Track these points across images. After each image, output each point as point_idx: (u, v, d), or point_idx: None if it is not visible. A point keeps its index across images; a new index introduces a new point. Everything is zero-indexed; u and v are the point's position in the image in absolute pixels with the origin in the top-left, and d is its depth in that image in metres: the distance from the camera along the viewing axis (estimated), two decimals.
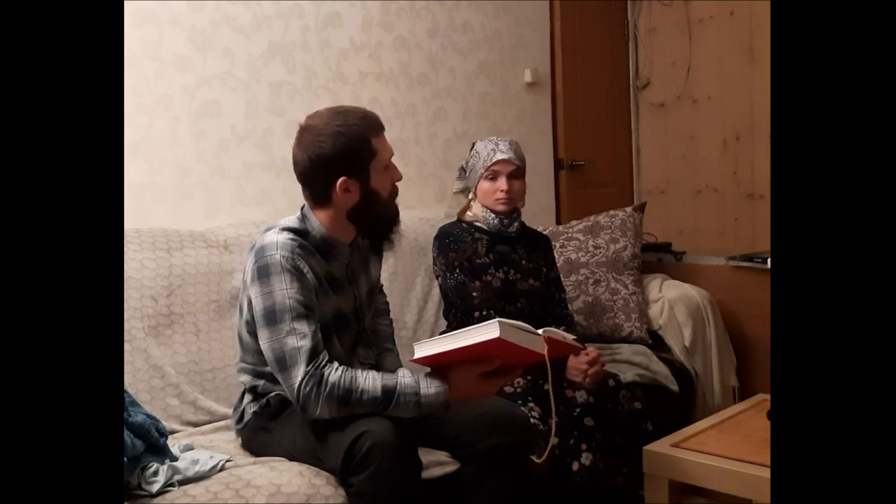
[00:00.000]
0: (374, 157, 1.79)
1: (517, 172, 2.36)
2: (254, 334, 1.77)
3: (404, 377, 1.67)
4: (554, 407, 1.82)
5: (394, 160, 1.85)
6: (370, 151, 1.78)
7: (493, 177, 2.35)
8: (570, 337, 1.84)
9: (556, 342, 1.74)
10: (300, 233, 1.79)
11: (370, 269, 1.98)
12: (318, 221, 1.82)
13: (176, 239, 2.24)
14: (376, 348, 2.02)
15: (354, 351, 1.90)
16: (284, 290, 1.68)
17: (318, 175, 1.78)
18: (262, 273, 1.71)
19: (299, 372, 1.64)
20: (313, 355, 1.65)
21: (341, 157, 1.75)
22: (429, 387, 1.66)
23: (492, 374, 1.70)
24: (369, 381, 1.65)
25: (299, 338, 1.66)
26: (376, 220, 1.85)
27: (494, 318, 1.58)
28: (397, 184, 1.87)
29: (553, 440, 1.86)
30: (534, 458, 1.86)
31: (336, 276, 1.84)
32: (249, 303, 1.75)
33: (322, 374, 1.64)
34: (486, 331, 1.57)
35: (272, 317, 1.68)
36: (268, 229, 1.80)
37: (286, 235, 1.75)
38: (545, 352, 1.66)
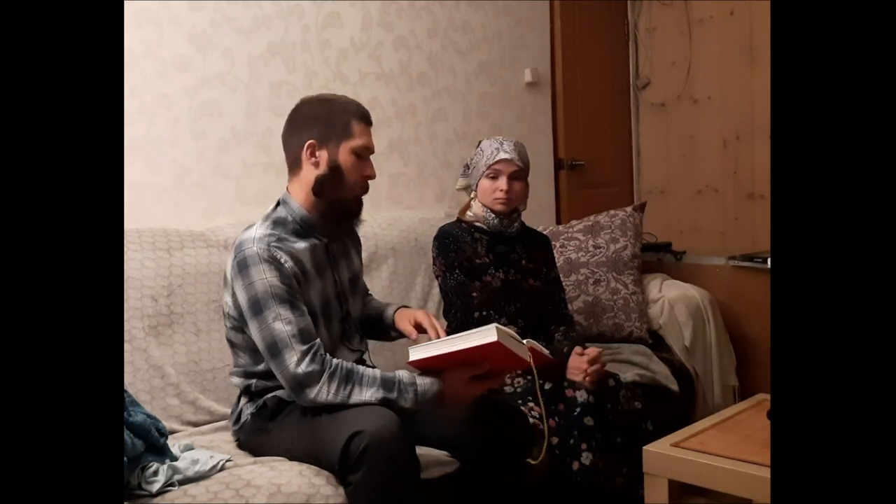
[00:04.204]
0: (349, 137, 1.81)
1: (518, 174, 2.36)
2: (239, 331, 1.80)
3: (400, 371, 1.73)
4: (544, 410, 1.90)
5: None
6: (346, 129, 1.81)
7: (495, 176, 2.35)
8: (545, 351, 1.90)
9: (537, 352, 1.82)
10: (278, 222, 1.81)
11: (351, 256, 1.99)
12: (297, 203, 1.83)
13: (176, 239, 2.24)
14: (364, 308, 2.06)
15: (342, 339, 1.91)
16: (265, 279, 1.71)
17: (292, 136, 1.83)
18: (242, 266, 1.73)
19: (292, 354, 1.67)
20: (306, 338, 1.69)
21: (314, 121, 1.81)
22: (423, 379, 1.72)
23: (478, 379, 1.75)
24: (368, 370, 1.71)
25: (285, 322, 1.68)
26: (336, 201, 1.83)
27: (494, 318, 1.61)
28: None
29: (542, 428, 1.92)
30: (530, 460, 1.86)
31: (318, 260, 1.85)
32: (234, 300, 1.77)
33: (323, 356, 1.68)
34: (484, 335, 1.63)
35: (257, 306, 1.70)
36: (248, 227, 1.81)
37: (262, 230, 1.78)
38: (530, 359, 1.74)
